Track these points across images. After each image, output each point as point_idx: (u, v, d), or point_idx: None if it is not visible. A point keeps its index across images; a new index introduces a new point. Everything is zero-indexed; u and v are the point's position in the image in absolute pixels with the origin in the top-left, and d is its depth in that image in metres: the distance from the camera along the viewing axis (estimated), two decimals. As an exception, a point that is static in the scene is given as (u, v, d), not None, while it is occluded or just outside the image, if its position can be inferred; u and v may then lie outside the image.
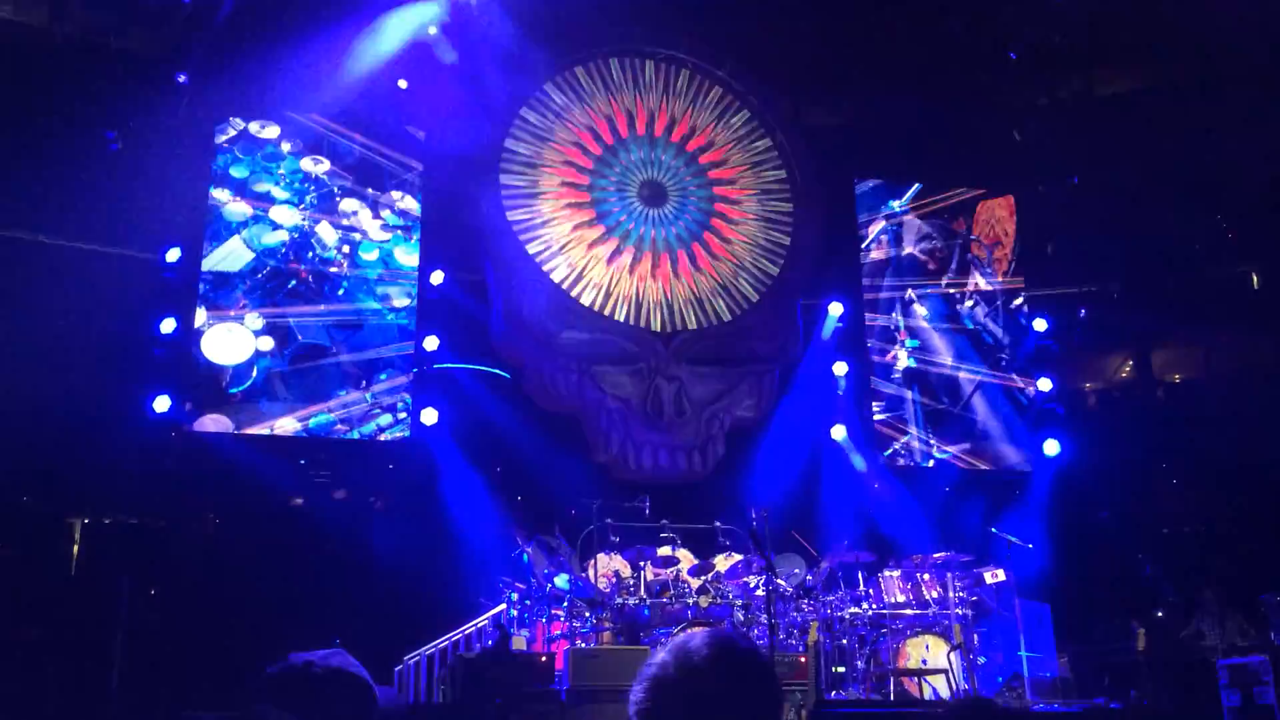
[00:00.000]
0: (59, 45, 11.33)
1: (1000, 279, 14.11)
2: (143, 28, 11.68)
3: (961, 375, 13.64)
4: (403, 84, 12.41)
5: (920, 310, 13.79)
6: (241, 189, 12.12)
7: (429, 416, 11.74)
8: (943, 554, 9.95)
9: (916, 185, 14.25)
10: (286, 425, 11.52)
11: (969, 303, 13.91)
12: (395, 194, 12.61)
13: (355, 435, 11.75)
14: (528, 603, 9.86)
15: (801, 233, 13.60)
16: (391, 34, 11.96)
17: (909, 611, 9.68)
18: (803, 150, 13.87)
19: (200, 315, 11.58)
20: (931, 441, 13.33)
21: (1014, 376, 13.72)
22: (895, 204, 14.15)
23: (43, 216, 11.25)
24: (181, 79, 11.67)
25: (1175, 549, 12.97)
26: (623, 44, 13.76)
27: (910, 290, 13.87)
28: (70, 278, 11.12)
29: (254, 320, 11.74)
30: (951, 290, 13.99)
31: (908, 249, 14.03)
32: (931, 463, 13.26)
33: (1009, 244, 14.23)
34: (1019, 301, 14.01)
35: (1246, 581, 11.07)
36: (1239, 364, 13.97)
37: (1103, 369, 14.84)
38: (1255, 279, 14.15)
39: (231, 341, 11.61)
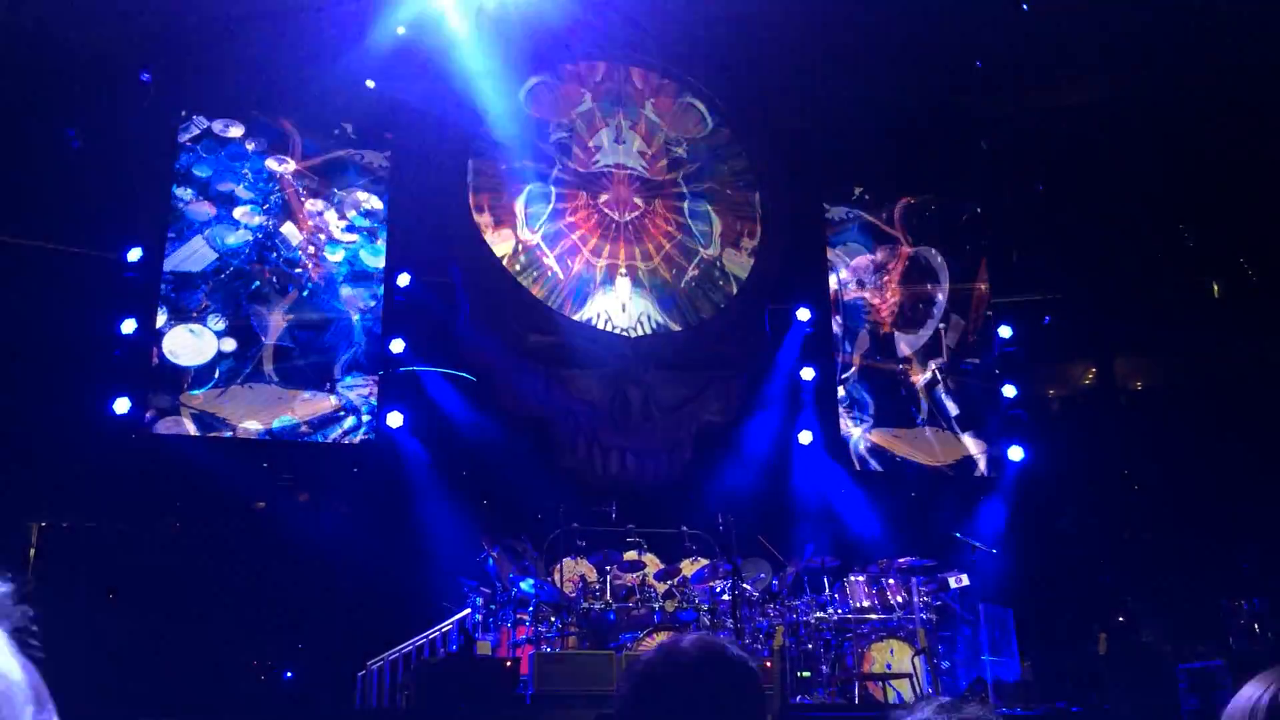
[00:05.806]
0: (17, 40, 11.14)
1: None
2: (104, 23, 11.49)
3: (919, 377, 13.70)
4: (370, 84, 12.31)
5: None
6: (205, 188, 12.00)
7: (394, 419, 11.67)
8: (907, 559, 10.01)
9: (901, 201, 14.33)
10: (250, 427, 11.40)
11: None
12: (361, 194, 12.51)
13: (319, 438, 11.64)
14: (493, 607, 9.79)
15: (770, 238, 13.63)
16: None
17: (874, 616, 9.72)
18: (772, 158, 13.91)
19: (161, 316, 11.45)
20: (889, 444, 13.37)
21: (976, 379, 13.80)
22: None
23: (1, 214, 11.06)
24: (145, 77, 11.54)
25: (1136, 554, 13.12)
26: (596, 49, 13.73)
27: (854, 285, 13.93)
28: (29, 277, 10.95)
29: (216, 321, 11.61)
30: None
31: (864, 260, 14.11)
32: (879, 467, 13.31)
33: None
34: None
35: (1206, 587, 11.21)
36: (1200, 371, 14.15)
37: (1066, 376, 14.99)
38: (1215, 288, 14.34)
39: (194, 342, 11.48)
